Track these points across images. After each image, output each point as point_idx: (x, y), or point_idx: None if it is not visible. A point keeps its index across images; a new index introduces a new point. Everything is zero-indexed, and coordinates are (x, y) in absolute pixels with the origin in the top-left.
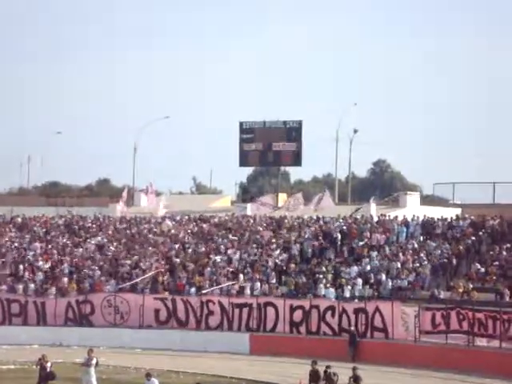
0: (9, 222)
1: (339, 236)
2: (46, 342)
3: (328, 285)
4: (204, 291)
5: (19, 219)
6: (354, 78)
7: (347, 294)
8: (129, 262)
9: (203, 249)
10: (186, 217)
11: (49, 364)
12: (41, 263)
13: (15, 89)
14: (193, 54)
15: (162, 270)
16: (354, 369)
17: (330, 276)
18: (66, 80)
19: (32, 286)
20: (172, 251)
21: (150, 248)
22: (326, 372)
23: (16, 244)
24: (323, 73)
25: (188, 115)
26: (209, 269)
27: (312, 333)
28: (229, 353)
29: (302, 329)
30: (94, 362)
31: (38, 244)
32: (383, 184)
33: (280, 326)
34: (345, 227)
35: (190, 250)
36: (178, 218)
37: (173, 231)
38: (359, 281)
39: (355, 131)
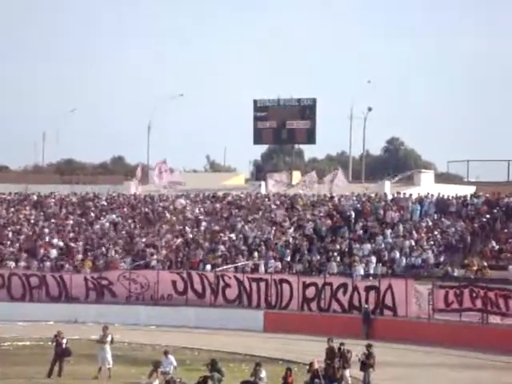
0: (24, 199)
1: (353, 214)
2: (61, 319)
3: (357, 263)
4: (218, 269)
5: (34, 197)
6: (367, 55)
7: (361, 272)
8: (143, 239)
9: (217, 227)
10: (200, 195)
11: (64, 340)
12: (55, 240)
13: (28, 67)
14: (206, 29)
15: (177, 247)
16: (369, 346)
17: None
18: (79, 57)
19: (47, 263)
20: (186, 229)
21: (164, 226)
22: (339, 349)
23: (31, 221)
24: (337, 50)
25: (202, 93)
26: (223, 247)
27: (323, 310)
28: (243, 330)
29: (313, 306)
30: (109, 338)
31: (52, 221)
32: (397, 162)
33: (294, 302)
34: (358, 205)
35: (204, 228)
36: (191, 195)
37: (187, 209)
38: (373, 258)
39: (369, 109)
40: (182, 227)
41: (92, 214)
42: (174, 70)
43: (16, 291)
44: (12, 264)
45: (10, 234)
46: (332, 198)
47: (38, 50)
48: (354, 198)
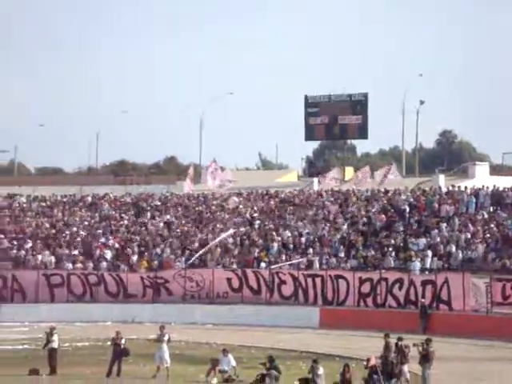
0: (79, 201)
1: (407, 208)
2: (118, 319)
3: (414, 258)
4: (273, 266)
5: (89, 198)
6: (419, 49)
7: (417, 267)
8: (198, 238)
9: (271, 224)
10: (253, 192)
11: (123, 341)
12: (111, 241)
13: (81, 68)
14: (257, 27)
15: (231, 246)
16: (428, 341)
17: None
18: (130, 57)
19: (103, 264)
20: (240, 227)
21: (218, 225)
22: (397, 345)
23: (86, 223)
24: (388, 44)
25: (253, 90)
26: (277, 244)
27: (379, 305)
28: (299, 327)
29: (369, 301)
30: (166, 338)
31: (107, 222)
32: (451, 155)
33: (350, 298)
34: (412, 199)
35: (258, 226)
36: (244, 193)
37: (240, 207)
38: (429, 253)
39: (421, 102)
40: (235, 225)
41: (146, 215)
42: (224, 68)
43: (76, 289)
44: (69, 266)
45: (67, 237)
46: (386, 192)
47: (91, 51)
48: (409, 193)
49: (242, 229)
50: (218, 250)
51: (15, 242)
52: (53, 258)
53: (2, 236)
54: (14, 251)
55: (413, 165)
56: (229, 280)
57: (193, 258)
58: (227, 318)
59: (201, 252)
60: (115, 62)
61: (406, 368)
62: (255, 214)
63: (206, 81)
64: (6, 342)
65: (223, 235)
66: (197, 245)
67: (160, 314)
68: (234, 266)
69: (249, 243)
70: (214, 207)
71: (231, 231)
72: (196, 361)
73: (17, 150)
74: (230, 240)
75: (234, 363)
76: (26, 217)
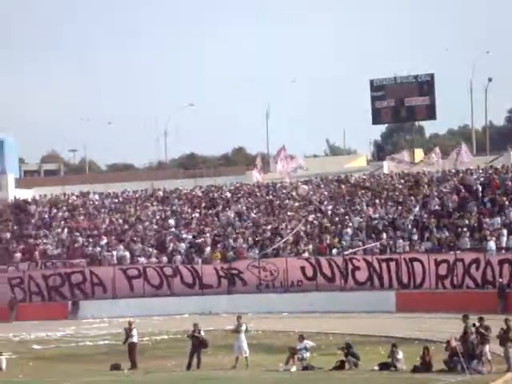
0: (150, 196)
1: (480, 188)
2: (195, 311)
3: (489, 237)
4: (346, 252)
5: (160, 193)
6: (483, 26)
7: (492, 246)
8: (269, 227)
9: (342, 210)
10: (323, 179)
11: (202, 333)
12: (184, 234)
13: (148, 65)
14: (319, 13)
15: (302, 234)
16: (507, 320)
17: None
18: (192, 51)
19: (178, 257)
20: (311, 215)
21: (289, 213)
22: (474, 325)
23: (158, 217)
24: (453, 22)
25: (316, 77)
26: (349, 230)
27: (456, 287)
28: (375, 312)
29: (447, 283)
30: (243, 328)
31: (179, 216)
32: None
33: (427, 281)
34: (484, 178)
35: (329, 212)
36: (314, 180)
37: (311, 194)
38: (504, 231)
39: (490, 80)
40: (306, 213)
41: (217, 206)
42: (287, 55)
43: (153, 281)
44: (143, 260)
45: (140, 232)
46: (457, 172)
47: (151, 48)
48: (480, 171)
49: (313, 216)
50: (291, 238)
51: (90, 239)
52: (127, 253)
53: (78, 234)
54: (90, 248)
55: (483, 143)
56: (302, 268)
57: (268, 250)
58: (302, 305)
59: (277, 244)
60: (178, 56)
61: (487, 348)
62: (326, 201)
63: (271, 70)
64: (87, 338)
65: (298, 227)
66: (269, 234)
67: (236, 305)
68: (307, 254)
69: (320, 230)
70: (283, 196)
71: (303, 222)
72: (274, 350)
73: (87, 149)
74: (303, 228)
75: (311, 344)
76: (100, 214)
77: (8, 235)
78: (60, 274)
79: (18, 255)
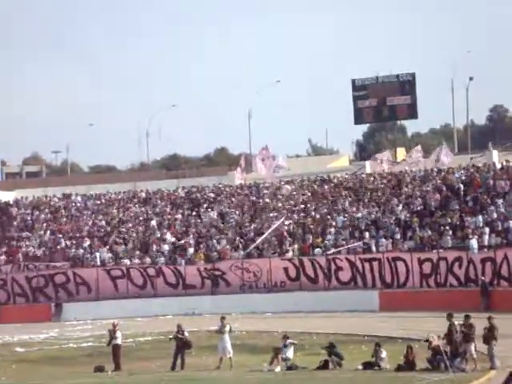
0: (133, 197)
1: (462, 186)
2: (178, 312)
3: (471, 236)
4: (330, 252)
5: (143, 194)
6: (464, 25)
7: (474, 245)
8: (252, 228)
9: (325, 210)
10: (305, 179)
11: (185, 333)
12: (167, 236)
13: (131, 65)
14: (301, 16)
15: (285, 234)
16: (490, 318)
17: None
18: (180, 53)
19: (161, 258)
20: (294, 215)
21: (272, 213)
22: (461, 324)
23: (141, 218)
24: (434, 21)
25: (299, 78)
26: (332, 229)
27: (440, 285)
28: (359, 311)
29: (431, 282)
30: (227, 328)
31: (162, 217)
32: (503, 130)
33: (410, 280)
34: (466, 177)
35: (312, 213)
36: (297, 180)
37: (293, 194)
38: (486, 230)
39: (471, 79)
40: (289, 213)
41: (200, 207)
42: (271, 56)
43: (137, 281)
44: (127, 262)
45: (123, 233)
46: (439, 171)
47: (139, 47)
48: (462, 170)
49: (296, 216)
50: (273, 238)
51: (73, 241)
52: (111, 255)
53: (60, 236)
54: (73, 250)
55: (465, 142)
56: (285, 269)
57: (249, 249)
58: (286, 305)
59: (257, 242)
60: (161, 56)
61: (472, 347)
62: (308, 201)
63: (253, 70)
64: (70, 341)
65: (277, 223)
66: (252, 234)
67: (219, 305)
68: (290, 254)
69: (304, 230)
70: (266, 196)
71: (283, 219)
72: (258, 350)
73: (69, 150)
74: (286, 227)
75: (292, 342)
76: (83, 215)
77: None
78: (43, 276)
79: (1, 258)
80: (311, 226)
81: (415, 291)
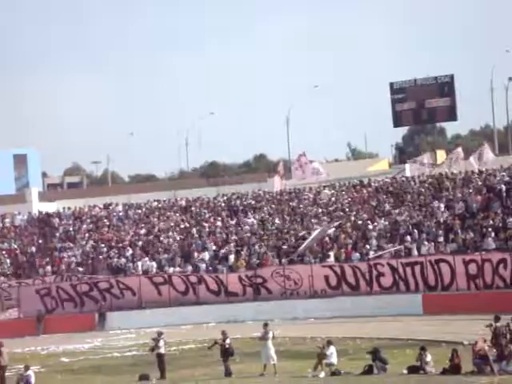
0: (173, 206)
1: (504, 187)
2: (221, 319)
3: None
4: (371, 256)
5: (183, 202)
6: (504, 24)
7: None
8: (293, 234)
9: (365, 214)
10: (345, 184)
11: (227, 340)
12: (208, 243)
13: (167, 76)
14: (336, 16)
15: (326, 239)
16: None
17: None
18: (214, 60)
19: (203, 265)
20: (334, 220)
21: (313, 219)
22: (508, 326)
23: (182, 227)
24: (472, 22)
25: (338, 82)
26: (373, 234)
27: (486, 287)
28: (402, 315)
29: (476, 284)
30: (270, 335)
31: (203, 225)
32: None
33: (455, 282)
34: (508, 178)
35: (353, 217)
36: (336, 185)
37: (333, 199)
38: None
39: (510, 79)
40: (329, 218)
41: (240, 214)
42: (309, 62)
43: (179, 287)
44: (169, 270)
45: (164, 242)
46: (480, 173)
47: (174, 58)
48: (504, 172)
49: (337, 221)
50: (315, 244)
51: (115, 251)
52: (154, 264)
53: (102, 245)
54: (115, 260)
55: (506, 143)
56: (326, 277)
57: (292, 256)
58: (328, 311)
59: (300, 249)
60: (196, 65)
61: None
62: (349, 205)
63: (292, 76)
64: (114, 350)
65: (319, 229)
66: (293, 240)
67: (262, 312)
68: (332, 260)
69: (345, 235)
70: (306, 201)
71: (327, 225)
72: (302, 356)
73: (109, 160)
74: (328, 232)
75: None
76: (124, 225)
77: (33, 249)
78: (88, 283)
79: (44, 269)
80: (352, 231)
81: (460, 293)
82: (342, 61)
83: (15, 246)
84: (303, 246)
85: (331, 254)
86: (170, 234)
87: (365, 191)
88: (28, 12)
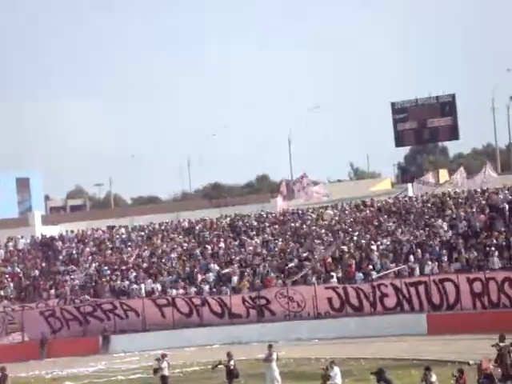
0: (176, 227)
1: (507, 206)
2: (225, 341)
3: None
4: (374, 276)
5: (186, 224)
6: (503, 43)
7: None
8: (296, 254)
9: (368, 235)
10: (348, 204)
11: (232, 362)
12: (211, 265)
13: (168, 97)
14: (339, 35)
15: (329, 260)
16: None
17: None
18: (213, 82)
19: (206, 287)
20: (337, 240)
21: (316, 240)
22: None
23: (185, 248)
24: (474, 41)
25: (339, 102)
26: (376, 254)
27: (492, 306)
28: (406, 335)
29: (482, 302)
30: (274, 356)
31: (206, 246)
32: None
33: (460, 301)
34: (509, 197)
35: (355, 237)
36: (339, 205)
37: (336, 219)
38: None
39: (511, 98)
40: (332, 239)
41: (243, 235)
42: (312, 81)
43: (183, 310)
44: (173, 292)
45: (167, 264)
46: (483, 192)
47: (175, 78)
48: (507, 191)
49: (339, 241)
50: (318, 264)
51: (118, 273)
52: (158, 286)
53: (105, 268)
54: (118, 282)
55: (508, 162)
56: (329, 300)
57: (295, 278)
58: (332, 331)
59: (304, 271)
60: (197, 86)
61: None
62: (351, 225)
63: (293, 96)
64: (119, 373)
65: (322, 250)
66: (296, 261)
67: (266, 333)
68: (335, 280)
69: (348, 255)
70: (309, 222)
71: (331, 245)
72: (307, 377)
73: (111, 183)
74: (331, 252)
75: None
76: (127, 247)
77: (37, 272)
78: (91, 305)
79: (48, 292)
80: (355, 251)
81: (465, 313)
82: (344, 80)
83: (18, 270)
84: (306, 267)
85: (334, 274)
86: (173, 255)
87: (368, 211)
88: (27, 36)
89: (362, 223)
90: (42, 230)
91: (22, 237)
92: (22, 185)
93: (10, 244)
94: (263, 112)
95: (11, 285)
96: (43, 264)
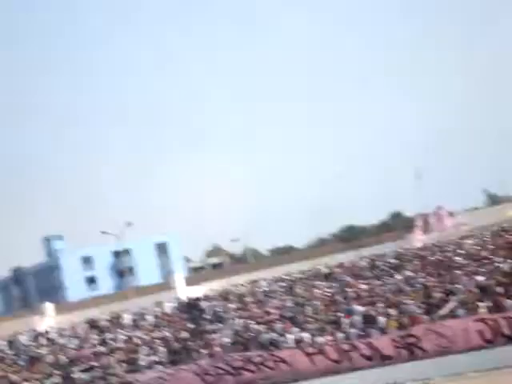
0: (315, 274)
1: None
2: (377, 383)
3: None
4: None
5: (325, 270)
6: None
7: None
8: (440, 288)
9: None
10: (487, 231)
11: None
12: (355, 307)
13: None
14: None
15: (474, 291)
16: None
17: None
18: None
19: (352, 330)
20: (480, 269)
21: (458, 271)
22: None
23: (327, 293)
24: None
25: (468, 126)
26: None
27: None
28: None
29: None
30: None
31: (347, 290)
32: None
33: None
34: None
35: (500, 265)
36: (478, 233)
37: (477, 247)
38: None
39: None
40: (475, 269)
41: (383, 274)
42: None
43: (332, 356)
44: (320, 339)
45: (311, 311)
46: None
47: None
48: None
49: (483, 270)
50: (464, 296)
51: (264, 326)
52: (306, 334)
53: (251, 322)
54: (265, 335)
55: None
56: (480, 332)
57: (442, 312)
58: (489, 362)
59: (450, 304)
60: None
61: None
62: (493, 253)
63: (416, 128)
64: None
65: (466, 281)
66: (441, 295)
67: (418, 372)
68: (483, 311)
69: (495, 284)
70: (449, 254)
71: (474, 277)
72: None
73: (247, 236)
74: (475, 283)
75: None
76: (270, 299)
77: (186, 334)
78: (241, 360)
79: (198, 352)
80: (501, 279)
81: None
82: (472, 105)
83: (168, 334)
84: (452, 301)
85: (482, 305)
86: (316, 302)
87: (508, 236)
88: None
89: (505, 249)
90: (185, 292)
91: (168, 301)
92: (161, 249)
93: (157, 309)
94: (389, 148)
95: (162, 349)
96: (191, 325)
